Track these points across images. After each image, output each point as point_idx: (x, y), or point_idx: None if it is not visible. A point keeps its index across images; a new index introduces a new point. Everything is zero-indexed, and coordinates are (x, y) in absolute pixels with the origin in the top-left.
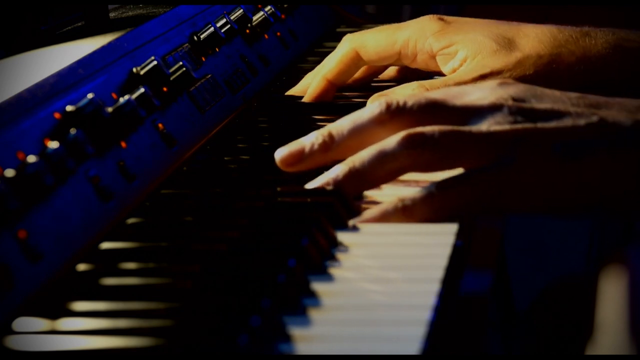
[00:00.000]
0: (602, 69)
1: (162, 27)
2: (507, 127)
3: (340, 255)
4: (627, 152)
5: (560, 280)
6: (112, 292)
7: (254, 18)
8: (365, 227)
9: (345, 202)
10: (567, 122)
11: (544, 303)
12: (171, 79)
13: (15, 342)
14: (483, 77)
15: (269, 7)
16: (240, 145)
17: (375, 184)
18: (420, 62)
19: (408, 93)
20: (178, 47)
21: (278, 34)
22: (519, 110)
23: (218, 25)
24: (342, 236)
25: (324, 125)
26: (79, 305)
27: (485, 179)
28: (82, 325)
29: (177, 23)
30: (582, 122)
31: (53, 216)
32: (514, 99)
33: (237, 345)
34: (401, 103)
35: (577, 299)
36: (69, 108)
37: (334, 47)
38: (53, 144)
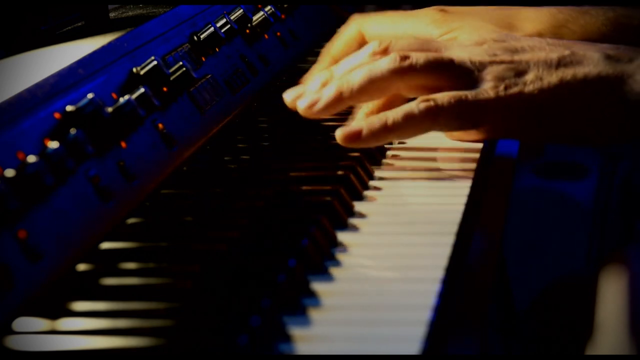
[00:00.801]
0: None
1: (162, 27)
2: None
3: (340, 255)
4: (599, 77)
5: (560, 280)
6: (112, 292)
7: (254, 18)
8: (365, 227)
9: (345, 202)
10: (540, 54)
11: (544, 303)
12: (171, 79)
13: (15, 342)
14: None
15: (269, 7)
16: (240, 145)
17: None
18: None
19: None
20: (178, 47)
21: (278, 34)
22: (498, 47)
23: (218, 25)
24: (342, 236)
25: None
26: (79, 305)
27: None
28: (82, 325)
29: (177, 23)
30: (554, 54)
31: (53, 216)
32: (495, 40)
33: (237, 345)
34: (414, 61)
35: (577, 299)
36: (69, 108)
37: None
38: (53, 144)
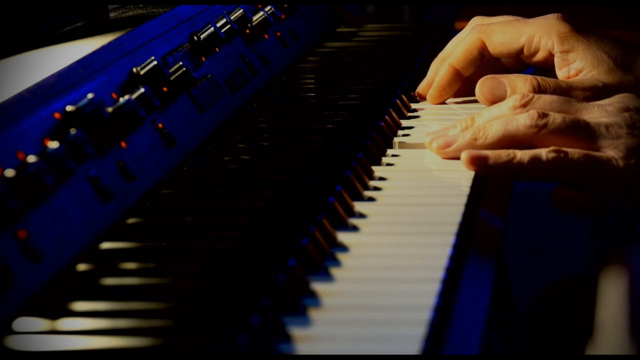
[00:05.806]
0: None
1: (162, 27)
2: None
3: (340, 255)
4: None
5: (560, 281)
6: (112, 292)
7: (254, 18)
8: (365, 227)
9: (345, 202)
10: None
11: (544, 303)
12: (171, 79)
13: (15, 342)
14: (595, 89)
15: (269, 7)
16: (240, 145)
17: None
18: (540, 59)
19: (524, 83)
20: (178, 47)
21: (278, 34)
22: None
23: (218, 25)
24: (342, 236)
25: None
26: (79, 305)
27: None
28: (82, 325)
29: (177, 23)
30: None
31: (53, 216)
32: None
33: (237, 345)
34: (550, 121)
35: (577, 299)
36: (69, 108)
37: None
38: (53, 144)
